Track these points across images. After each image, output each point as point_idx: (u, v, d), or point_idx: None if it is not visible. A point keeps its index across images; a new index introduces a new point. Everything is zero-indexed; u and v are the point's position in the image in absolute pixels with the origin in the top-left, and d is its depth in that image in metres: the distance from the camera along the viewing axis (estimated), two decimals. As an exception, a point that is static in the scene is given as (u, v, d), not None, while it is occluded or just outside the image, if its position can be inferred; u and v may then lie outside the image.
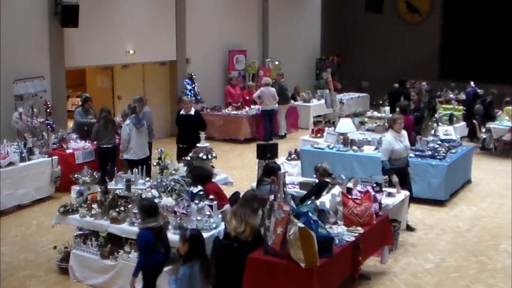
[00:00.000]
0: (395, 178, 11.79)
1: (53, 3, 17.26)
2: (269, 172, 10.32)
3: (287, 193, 8.62)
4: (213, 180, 11.32)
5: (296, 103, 24.38)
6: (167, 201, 9.77)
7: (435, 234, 12.14)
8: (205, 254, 7.64)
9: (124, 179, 10.88)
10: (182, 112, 15.74)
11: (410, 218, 12.50)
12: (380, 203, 10.07)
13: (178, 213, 9.34)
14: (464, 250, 11.38)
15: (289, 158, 15.61)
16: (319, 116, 24.06)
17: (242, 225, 8.38)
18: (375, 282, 9.98)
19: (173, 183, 10.44)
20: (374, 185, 10.78)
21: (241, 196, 9.37)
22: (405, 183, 12.12)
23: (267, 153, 13.86)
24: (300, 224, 7.82)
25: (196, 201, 9.70)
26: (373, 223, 9.50)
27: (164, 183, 10.49)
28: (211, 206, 9.64)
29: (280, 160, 15.09)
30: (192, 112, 15.59)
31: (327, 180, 11.08)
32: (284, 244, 7.93)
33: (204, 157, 12.69)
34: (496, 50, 29.78)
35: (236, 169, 17.14)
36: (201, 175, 10.90)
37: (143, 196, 10.00)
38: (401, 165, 12.21)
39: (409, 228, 12.19)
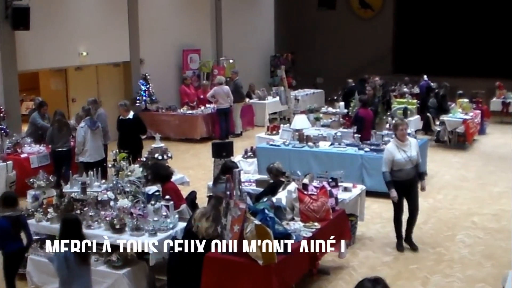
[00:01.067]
0: (393, 193, 10.84)
1: (3, 6, 16.98)
2: (226, 170, 10.27)
3: (243, 191, 8.64)
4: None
5: (251, 101, 24.41)
6: (123, 202, 9.70)
7: (392, 227, 12.18)
8: (80, 236, 7.81)
9: (80, 182, 10.79)
10: (121, 116, 15.58)
11: (367, 212, 12.58)
12: (336, 198, 10.11)
13: (134, 215, 9.27)
14: (421, 241, 11.46)
15: (245, 156, 15.59)
16: (275, 113, 24.12)
17: (213, 227, 8.32)
18: (334, 277, 10.02)
19: (128, 185, 10.38)
20: (330, 180, 10.83)
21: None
22: (410, 198, 11.15)
23: (222, 151, 13.82)
24: (257, 222, 7.82)
25: (152, 202, 9.65)
26: (330, 218, 9.54)
27: (119, 185, 10.42)
28: (167, 207, 9.59)
29: (236, 158, 15.06)
30: (131, 116, 15.39)
31: (282, 179, 11.06)
32: (241, 243, 7.92)
33: (160, 157, 12.65)
34: (448, 43, 30.13)
35: (192, 168, 17.09)
36: (161, 173, 10.87)
37: (99, 198, 9.93)
38: (404, 177, 10.86)
39: (413, 247, 11.26)
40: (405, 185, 10.88)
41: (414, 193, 11.13)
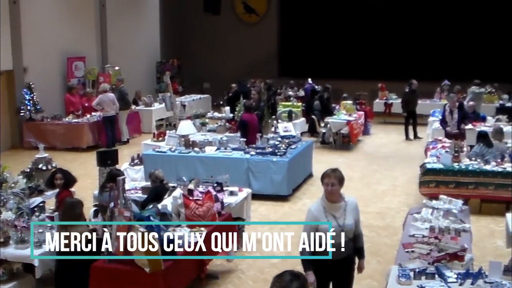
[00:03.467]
0: (310, 277, 7.20)
1: None
2: (111, 179, 10.20)
3: (128, 198, 8.57)
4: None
5: (137, 107, 24.20)
6: (7, 215, 9.47)
7: (280, 229, 12.30)
8: None
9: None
10: None
11: (254, 215, 12.68)
12: (222, 202, 10.17)
13: (18, 227, 9.07)
14: (307, 242, 11.63)
15: (132, 163, 15.44)
16: (161, 119, 23.99)
17: (67, 236, 8.22)
18: (223, 281, 10.08)
19: (12, 197, 10.14)
20: (215, 184, 10.87)
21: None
22: (339, 285, 7.77)
23: (107, 160, 13.64)
24: (142, 229, 7.79)
25: (37, 214, 9.48)
26: (216, 222, 9.58)
27: (3, 197, 10.17)
28: (51, 218, 9.44)
29: (123, 166, 14.93)
30: None
31: (166, 185, 11.03)
32: (127, 251, 7.87)
33: (44, 167, 12.41)
34: (332, 47, 30.73)
35: (79, 177, 16.65)
36: (70, 179, 10.79)
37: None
38: (333, 255, 7.39)
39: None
40: (333, 266, 7.50)
41: (347, 278, 7.80)
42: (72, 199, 9.05)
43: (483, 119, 20.01)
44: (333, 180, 7.37)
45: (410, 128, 22.39)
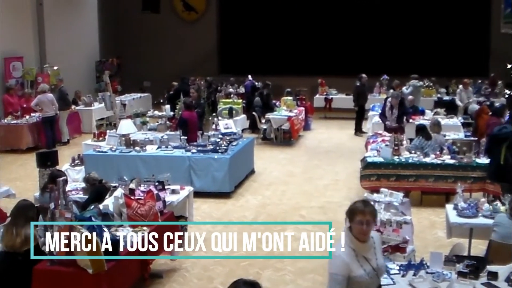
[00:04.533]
0: None
1: None
2: (53, 180, 10.09)
3: (69, 199, 8.50)
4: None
5: (77, 107, 23.94)
6: None
7: (223, 226, 12.37)
8: None
9: None
10: None
11: (197, 213, 12.68)
12: (164, 201, 10.15)
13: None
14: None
15: (73, 164, 15.26)
16: (102, 119, 23.80)
17: (12, 238, 8.14)
18: (167, 280, 10.06)
19: None
20: (157, 183, 10.84)
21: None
22: None
23: (47, 161, 13.47)
24: (84, 230, 7.74)
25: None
26: (159, 221, 9.56)
27: None
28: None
29: (64, 166, 14.75)
30: None
31: (106, 184, 10.97)
32: (69, 252, 7.81)
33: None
34: (271, 44, 30.85)
35: (20, 179, 16.59)
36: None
37: None
38: None
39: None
40: None
41: None
42: (25, 202, 8.94)
43: (422, 113, 20.36)
44: (368, 217, 5.90)
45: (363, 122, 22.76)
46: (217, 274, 10.22)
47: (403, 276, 7.22)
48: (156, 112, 21.27)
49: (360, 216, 5.88)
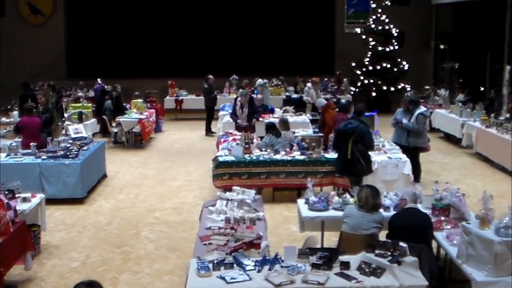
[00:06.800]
0: None
1: None
2: None
3: None
4: None
5: None
6: None
7: (77, 232, 12.20)
8: None
9: None
10: None
11: (50, 220, 12.44)
12: (15, 210, 9.88)
13: None
14: (107, 243, 11.58)
15: None
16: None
17: None
18: (23, 290, 9.84)
19: None
20: (7, 192, 10.54)
21: None
22: None
23: None
24: None
25: None
26: (10, 231, 9.28)
27: None
28: None
29: None
30: None
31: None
32: None
33: None
34: (120, 47, 30.56)
35: None
36: None
37: None
38: None
39: None
40: None
41: None
42: None
43: (272, 111, 20.80)
44: None
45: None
46: (73, 281, 9.98)
47: (258, 271, 7.34)
48: (4, 119, 20.64)
49: None
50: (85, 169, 14.28)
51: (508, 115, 18.57)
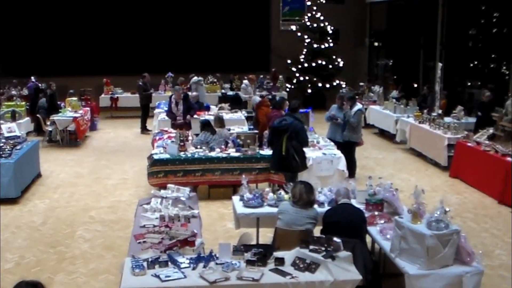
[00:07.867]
0: None
1: None
2: None
3: None
4: None
5: None
6: None
7: (11, 233, 12.02)
8: None
9: None
10: None
11: (-17, 221, 12.29)
12: None
13: None
14: (41, 243, 11.44)
15: None
16: None
17: None
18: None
19: None
20: None
21: None
22: None
23: None
24: None
25: None
26: None
27: None
28: None
29: None
30: None
31: None
32: None
33: None
34: (54, 44, 30.11)
35: None
36: None
37: None
38: None
39: None
40: None
41: None
42: None
43: (207, 108, 20.82)
44: None
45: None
46: (7, 283, 9.91)
47: (193, 269, 7.36)
48: None
49: None
50: (19, 169, 14.10)
51: (440, 111, 18.94)
